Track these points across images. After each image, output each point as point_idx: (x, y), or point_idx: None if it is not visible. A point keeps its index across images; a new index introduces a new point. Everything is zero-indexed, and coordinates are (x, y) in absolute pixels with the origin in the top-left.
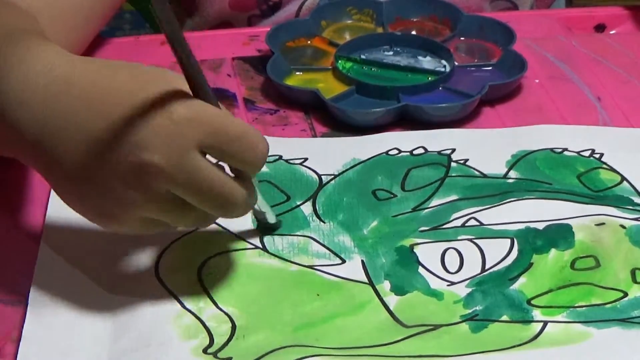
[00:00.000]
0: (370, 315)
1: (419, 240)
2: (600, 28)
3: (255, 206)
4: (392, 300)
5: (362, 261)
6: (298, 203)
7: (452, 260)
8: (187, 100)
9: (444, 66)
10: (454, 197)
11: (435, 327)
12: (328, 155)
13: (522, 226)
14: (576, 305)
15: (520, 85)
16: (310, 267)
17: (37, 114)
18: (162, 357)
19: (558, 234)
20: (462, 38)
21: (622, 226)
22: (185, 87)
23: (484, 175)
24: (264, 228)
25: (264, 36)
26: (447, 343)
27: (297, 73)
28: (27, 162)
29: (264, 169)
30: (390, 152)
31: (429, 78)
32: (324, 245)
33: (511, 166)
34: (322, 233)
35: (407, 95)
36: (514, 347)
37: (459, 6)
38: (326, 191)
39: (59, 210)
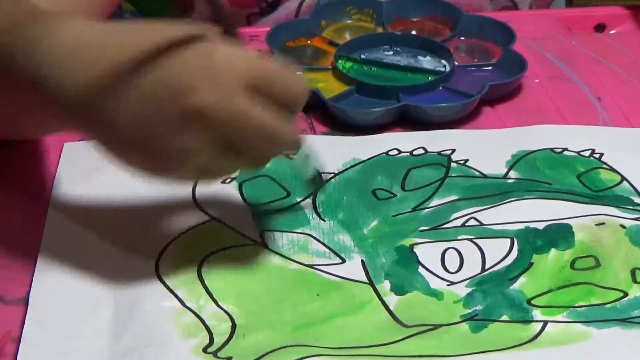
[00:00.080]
0: (370, 315)
1: (419, 240)
2: (600, 28)
3: (300, 157)
4: (392, 300)
5: (362, 261)
6: (298, 200)
7: (452, 260)
8: (228, 45)
9: (444, 66)
10: (454, 197)
11: (435, 326)
12: (328, 153)
13: (522, 226)
14: (576, 305)
15: (520, 85)
16: (310, 266)
17: (79, 78)
18: (162, 357)
19: (558, 234)
20: (462, 38)
21: (622, 226)
22: (220, 37)
23: (484, 176)
24: (310, 183)
25: (264, 36)
26: (447, 343)
27: (297, 73)
28: (74, 128)
29: None
30: (390, 153)
31: (429, 78)
32: (323, 244)
33: (511, 166)
34: (322, 231)
35: (407, 95)
36: (514, 347)
37: (459, 4)
38: (326, 189)
39: (60, 210)
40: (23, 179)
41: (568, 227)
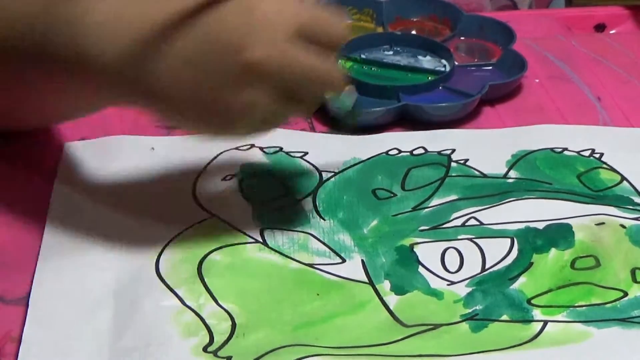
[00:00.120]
0: (370, 315)
1: (419, 240)
2: (600, 28)
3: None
4: (392, 299)
5: (362, 260)
6: (298, 198)
7: (452, 260)
8: None
9: (444, 66)
10: (454, 196)
11: (435, 326)
12: (328, 152)
13: (522, 226)
14: (576, 304)
15: (520, 85)
16: (310, 265)
17: (126, 40)
18: (162, 356)
19: (558, 234)
20: (462, 38)
21: (622, 226)
22: None
23: (484, 175)
24: (349, 115)
25: None
26: (447, 342)
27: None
28: (116, 100)
29: (265, 160)
30: (390, 152)
31: (429, 78)
32: (324, 243)
33: (511, 166)
34: (322, 230)
35: (407, 95)
36: (514, 346)
37: (460, 3)
38: (326, 188)
39: (60, 209)
40: (23, 179)
41: (568, 227)
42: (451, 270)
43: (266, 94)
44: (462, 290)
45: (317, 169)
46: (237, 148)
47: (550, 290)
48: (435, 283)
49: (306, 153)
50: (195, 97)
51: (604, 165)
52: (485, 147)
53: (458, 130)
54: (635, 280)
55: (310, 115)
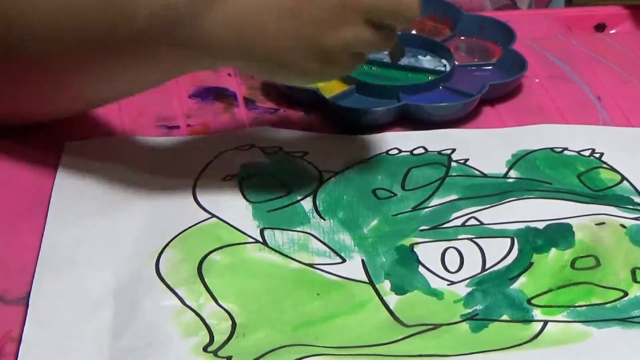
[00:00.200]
0: (371, 315)
1: (419, 240)
2: (600, 27)
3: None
4: (392, 299)
5: (362, 260)
6: (298, 198)
7: (452, 260)
8: None
9: (444, 65)
10: (454, 196)
11: (436, 326)
12: (328, 151)
13: (522, 225)
14: (576, 304)
15: (520, 84)
16: (311, 265)
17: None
18: (162, 356)
19: (558, 234)
20: (462, 37)
21: (623, 225)
22: None
23: (484, 175)
24: (396, 51)
25: None
26: (447, 342)
27: None
28: (228, 60)
29: (265, 160)
30: (390, 152)
31: (429, 77)
32: (324, 243)
33: (511, 166)
34: (322, 230)
35: (407, 95)
36: (514, 346)
37: (460, 3)
38: (326, 188)
39: (60, 209)
40: (23, 179)
41: (568, 227)
42: (451, 270)
43: (360, 29)
44: (462, 290)
45: (317, 169)
46: (237, 148)
47: (550, 290)
48: (435, 283)
49: (306, 153)
50: (298, 40)
51: (604, 165)
52: (485, 147)
53: (458, 130)
54: (635, 280)
55: (394, 46)
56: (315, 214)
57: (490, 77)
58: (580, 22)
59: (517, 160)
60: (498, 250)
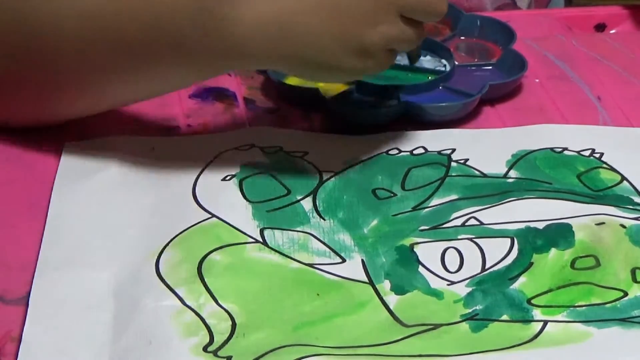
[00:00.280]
0: (370, 315)
1: (419, 240)
2: (600, 27)
3: None
4: (392, 299)
5: (362, 260)
6: (298, 198)
7: (452, 260)
8: None
9: (444, 65)
10: (454, 196)
11: (436, 326)
12: (328, 152)
13: (522, 225)
14: (576, 304)
15: (520, 84)
16: (310, 265)
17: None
18: (162, 356)
19: (558, 234)
20: (462, 37)
21: (622, 226)
22: None
23: (484, 175)
24: (412, 56)
25: None
26: (447, 342)
27: None
28: (267, 60)
29: (265, 160)
30: (390, 152)
31: (429, 77)
32: (324, 243)
33: (511, 166)
34: (322, 230)
35: (407, 95)
36: (514, 346)
37: (460, 2)
38: (326, 188)
39: (60, 210)
40: (23, 179)
41: (568, 227)
42: (451, 270)
43: (394, 25)
44: (462, 290)
45: (317, 169)
46: (237, 148)
47: (550, 290)
48: (435, 283)
49: (306, 153)
50: (343, 38)
51: (604, 165)
52: (485, 147)
53: (458, 130)
54: (635, 280)
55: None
56: (315, 214)
57: (490, 77)
58: (580, 22)
59: (517, 160)
60: (498, 250)
